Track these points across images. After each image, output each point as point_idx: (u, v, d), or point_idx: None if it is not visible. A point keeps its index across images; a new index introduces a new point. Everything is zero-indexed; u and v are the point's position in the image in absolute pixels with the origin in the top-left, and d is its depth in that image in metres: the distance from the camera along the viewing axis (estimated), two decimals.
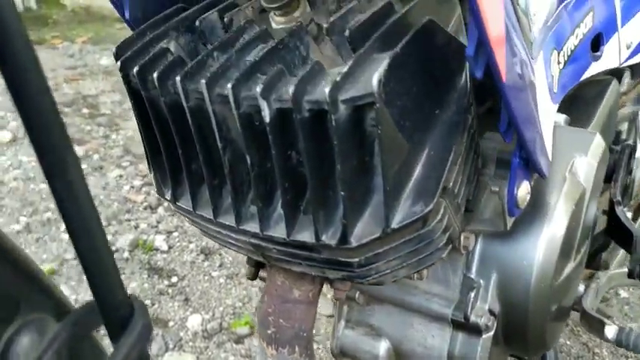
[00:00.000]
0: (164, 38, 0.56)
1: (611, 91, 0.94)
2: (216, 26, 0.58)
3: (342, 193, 0.47)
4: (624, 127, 1.16)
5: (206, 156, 0.53)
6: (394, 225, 0.49)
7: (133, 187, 2.18)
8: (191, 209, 0.57)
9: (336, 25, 0.51)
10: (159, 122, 0.55)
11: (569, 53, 0.78)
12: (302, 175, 0.51)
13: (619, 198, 0.95)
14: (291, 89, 0.44)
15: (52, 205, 2.07)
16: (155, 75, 0.50)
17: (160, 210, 2.02)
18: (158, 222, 1.97)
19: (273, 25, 0.55)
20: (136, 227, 1.92)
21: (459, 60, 0.54)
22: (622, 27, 0.92)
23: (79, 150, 2.50)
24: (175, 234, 1.89)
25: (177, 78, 0.49)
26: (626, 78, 1.08)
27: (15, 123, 2.63)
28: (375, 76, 0.43)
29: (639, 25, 0.95)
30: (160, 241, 1.84)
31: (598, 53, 0.87)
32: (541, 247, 0.64)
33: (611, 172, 1.00)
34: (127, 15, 0.62)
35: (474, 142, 0.59)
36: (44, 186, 2.15)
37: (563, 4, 0.78)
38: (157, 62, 0.53)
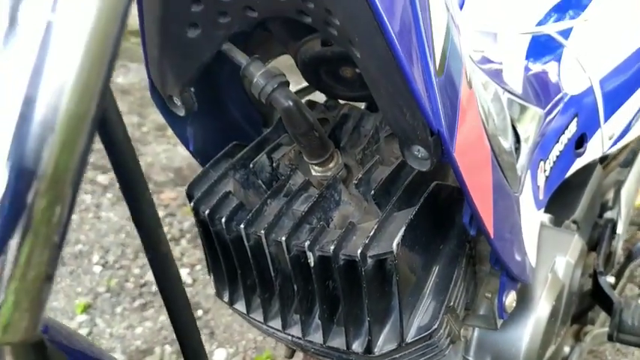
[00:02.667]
0: (225, 178, 0.71)
1: (595, 177, 1.08)
2: (266, 165, 0.72)
3: (368, 318, 0.62)
4: (610, 194, 1.29)
5: (260, 278, 0.68)
6: (408, 339, 0.64)
7: None
8: (245, 312, 0.72)
9: (362, 180, 0.66)
10: (223, 249, 0.69)
11: (554, 159, 0.91)
12: (337, 298, 0.65)
13: (601, 269, 1.09)
14: (331, 247, 0.59)
15: (83, 236, 2.23)
16: (223, 220, 0.65)
17: (183, 242, 2.17)
18: (182, 254, 2.11)
19: (312, 172, 0.70)
20: None
21: (460, 202, 0.68)
22: (604, 123, 1.06)
23: (103, 179, 2.65)
24: (198, 267, 2.04)
25: (242, 226, 0.64)
26: None
27: None
28: (394, 241, 0.57)
29: (620, 118, 1.08)
30: (184, 275, 1.98)
31: (581, 150, 1.00)
32: (526, 336, 0.78)
33: (595, 244, 1.14)
34: (191, 148, 0.76)
35: (472, 258, 0.73)
36: (74, 216, 2.30)
37: (549, 116, 0.92)
38: (222, 206, 0.67)
